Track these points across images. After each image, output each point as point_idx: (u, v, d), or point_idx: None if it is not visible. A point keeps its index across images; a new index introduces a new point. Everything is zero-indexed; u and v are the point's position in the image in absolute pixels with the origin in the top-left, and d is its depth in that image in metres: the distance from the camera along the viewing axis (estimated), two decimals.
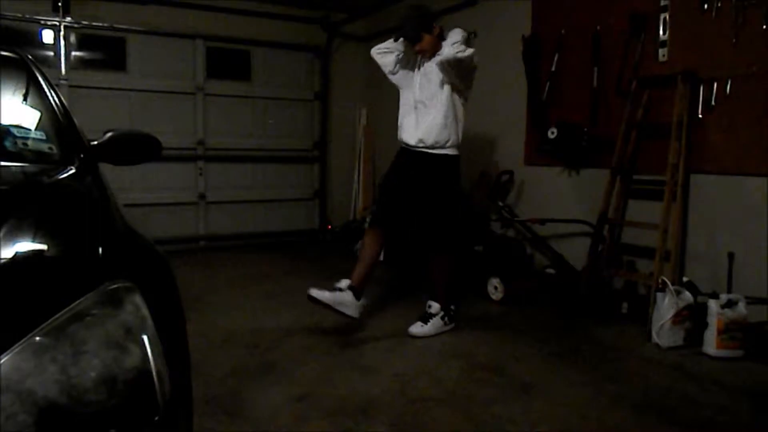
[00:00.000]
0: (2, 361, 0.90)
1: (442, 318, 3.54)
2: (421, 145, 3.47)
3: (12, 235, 1.12)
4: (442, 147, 3.46)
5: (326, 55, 6.98)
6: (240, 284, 4.75)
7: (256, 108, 6.64)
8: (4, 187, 1.48)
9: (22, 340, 0.92)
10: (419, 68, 3.54)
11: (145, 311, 1.05)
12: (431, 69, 3.43)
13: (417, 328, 3.50)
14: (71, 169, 1.68)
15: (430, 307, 3.57)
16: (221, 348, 3.23)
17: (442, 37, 3.40)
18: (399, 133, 3.62)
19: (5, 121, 1.84)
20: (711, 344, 3.18)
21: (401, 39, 3.50)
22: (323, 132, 7.09)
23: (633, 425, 2.42)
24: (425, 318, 3.53)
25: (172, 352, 1.10)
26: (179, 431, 1.13)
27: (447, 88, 3.42)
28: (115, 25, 5.83)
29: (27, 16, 5.47)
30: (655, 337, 3.33)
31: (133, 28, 5.90)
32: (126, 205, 1.63)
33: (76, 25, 5.68)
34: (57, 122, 1.89)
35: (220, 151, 6.46)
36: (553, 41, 4.61)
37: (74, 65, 5.74)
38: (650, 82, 3.96)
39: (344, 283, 3.38)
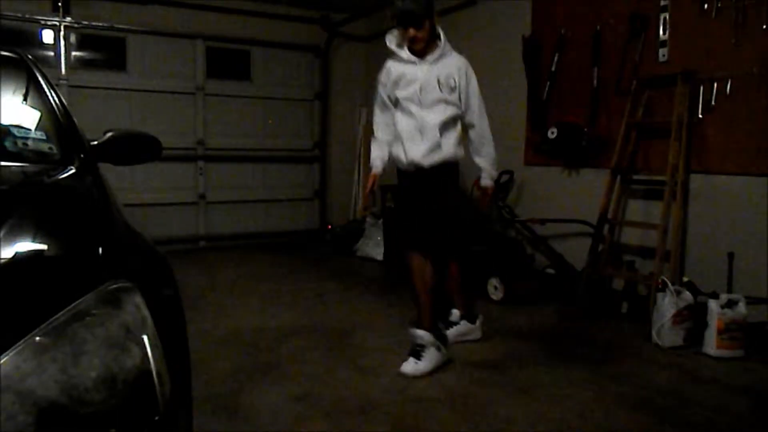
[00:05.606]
0: (2, 361, 0.89)
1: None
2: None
3: (12, 235, 1.11)
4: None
5: (326, 55, 6.98)
6: (240, 284, 4.75)
7: (256, 108, 6.65)
8: (4, 187, 1.47)
9: (22, 340, 0.92)
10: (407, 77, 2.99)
11: (145, 311, 1.05)
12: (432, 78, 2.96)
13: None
14: (71, 169, 1.67)
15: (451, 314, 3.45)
16: (221, 348, 3.23)
17: (436, 34, 2.98)
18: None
19: (5, 121, 1.84)
20: (711, 344, 3.18)
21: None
22: (323, 132, 7.09)
23: (633, 425, 2.42)
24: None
25: (172, 352, 1.10)
26: (179, 431, 1.13)
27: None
28: (115, 25, 5.84)
29: (27, 16, 5.48)
30: (655, 337, 3.33)
31: (133, 28, 5.91)
32: (126, 205, 1.63)
33: (76, 25, 5.68)
34: (57, 122, 1.89)
35: (220, 151, 6.47)
36: (553, 41, 4.61)
37: (74, 65, 5.74)
38: (650, 82, 3.96)
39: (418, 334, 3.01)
